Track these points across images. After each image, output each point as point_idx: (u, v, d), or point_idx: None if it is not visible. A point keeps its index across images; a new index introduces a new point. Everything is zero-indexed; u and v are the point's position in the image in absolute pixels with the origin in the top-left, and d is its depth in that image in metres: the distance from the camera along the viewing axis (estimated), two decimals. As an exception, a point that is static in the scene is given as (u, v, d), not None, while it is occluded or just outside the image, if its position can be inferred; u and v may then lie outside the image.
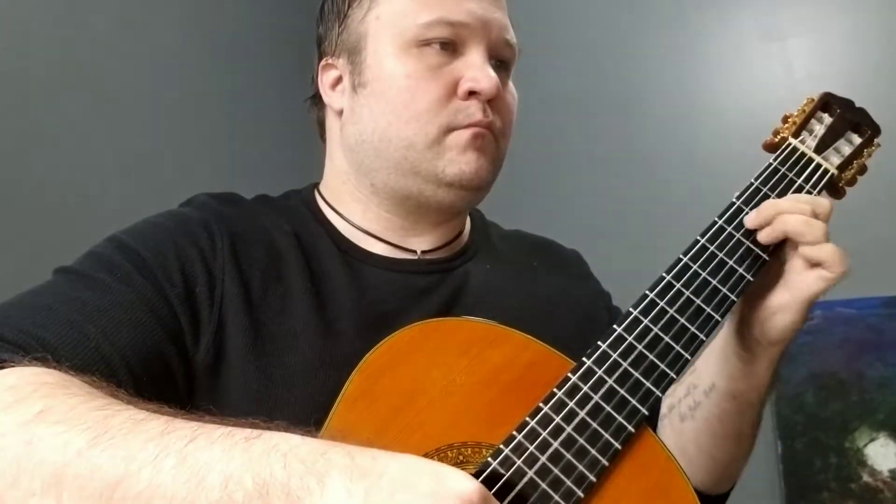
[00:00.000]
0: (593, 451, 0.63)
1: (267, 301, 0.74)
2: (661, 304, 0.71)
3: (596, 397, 0.65)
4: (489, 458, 0.62)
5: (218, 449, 0.49)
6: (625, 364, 0.68)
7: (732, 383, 0.78)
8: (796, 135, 0.82)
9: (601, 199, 2.12)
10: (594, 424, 0.64)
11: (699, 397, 0.82)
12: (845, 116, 0.83)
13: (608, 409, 0.65)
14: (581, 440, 0.63)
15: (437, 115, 0.77)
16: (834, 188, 0.81)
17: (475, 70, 0.77)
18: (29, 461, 0.50)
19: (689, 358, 0.69)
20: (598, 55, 2.22)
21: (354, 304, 0.76)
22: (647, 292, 0.72)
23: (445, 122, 0.77)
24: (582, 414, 0.65)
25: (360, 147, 0.81)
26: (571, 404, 0.65)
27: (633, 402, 0.66)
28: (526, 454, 0.62)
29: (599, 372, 0.67)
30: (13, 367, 0.57)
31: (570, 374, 0.67)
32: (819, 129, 0.83)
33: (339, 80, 0.84)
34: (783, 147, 0.81)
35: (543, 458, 0.62)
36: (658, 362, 0.68)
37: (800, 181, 0.78)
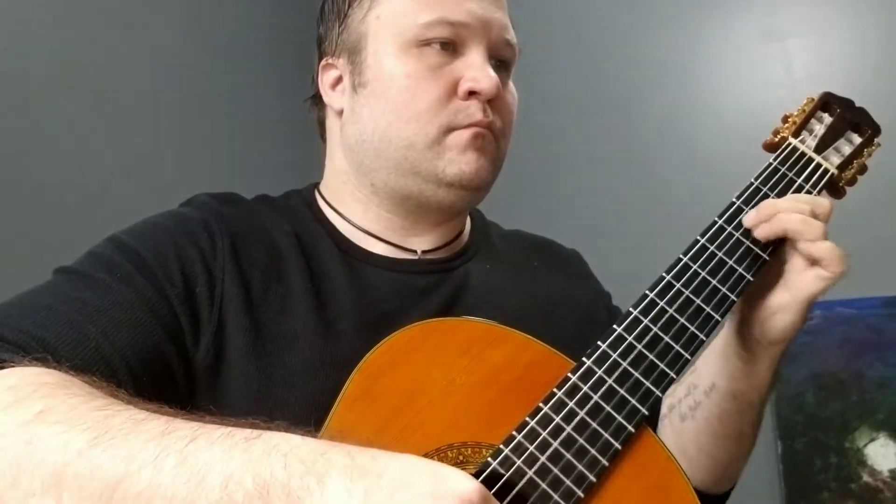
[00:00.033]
0: (593, 451, 0.63)
1: (267, 301, 0.74)
2: (661, 303, 0.71)
3: (596, 397, 0.65)
4: (489, 458, 0.62)
5: (218, 449, 0.49)
6: (624, 364, 0.67)
7: (733, 383, 0.78)
8: (796, 134, 0.82)
9: (601, 199, 2.12)
10: (594, 424, 0.64)
11: (700, 397, 0.82)
12: (845, 116, 0.83)
13: (608, 408, 0.65)
14: (581, 440, 0.63)
15: (438, 115, 0.77)
16: (834, 188, 0.81)
17: (475, 70, 0.77)
18: (29, 461, 0.50)
19: (689, 358, 0.69)
20: (598, 55, 2.22)
21: (355, 304, 0.76)
22: (646, 292, 0.72)
23: (445, 122, 0.77)
24: (582, 414, 0.64)
25: (360, 147, 0.81)
26: (571, 404, 0.65)
27: (633, 401, 0.66)
28: (526, 454, 0.62)
29: (599, 372, 0.67)
30: (13, 367, 0.57)
31: (569, 374, 0.66)
32: (819, 128, 0.83)
33: (339, 79, 0.84)
34: (783, 147, 0.81)
35: (543, 458, 0.62)
36: (658, 362, 0.68)
37: (800, 181, 0.78)
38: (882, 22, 1.95)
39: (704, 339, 0.70)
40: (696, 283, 0.72)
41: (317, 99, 0.87)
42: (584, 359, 0.68)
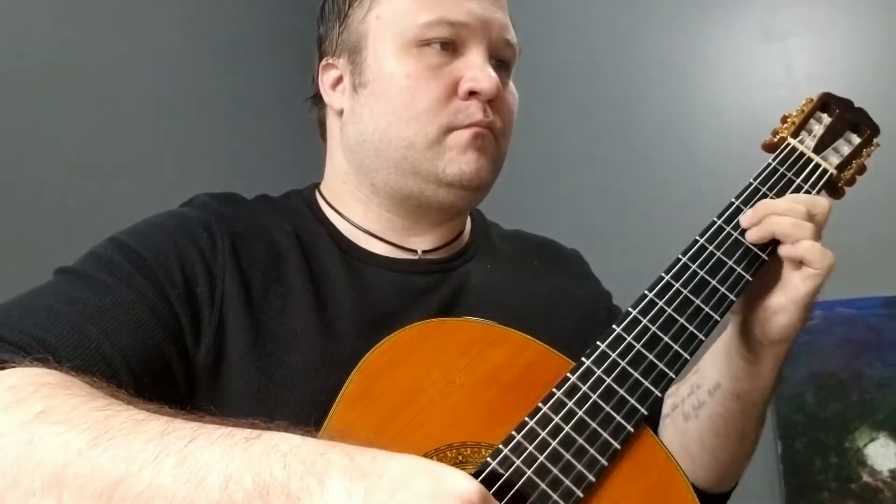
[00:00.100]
0: (592, 451, 0.63)
1: (267, 301, 0.74)
2: (660, 303, 0.71)
3: (594, 397, 0.65)
4: (488, 458, 0.62)
5: (218, 449, 0.49)
6: (623, 364, 0.68)
7: (737, 383, 0.78)
8: (795, 135, 0.82)
9: (601, 199, 2.13)
10: (593, 424, 0.64)
11: (703, 396, 0.82)
12: (844, 116, 0.83)
13: (607, 408, 0.65)
14: (580, 440, 0.63)
15: (438, 115, 0.77)
16: (833, 188, 0.81)
17: (475, 70, 0.77)
18: (29, 461, 0.50)
19: (689, 358, 0.69)
20: (598, 55, 2.22)
21: (355, 304, 0.76)
22: (646, 292, 0.72)
23: (445, 122, 0.77)
24: (581, 413, 0.65)
25: (360, 147, 0.81)
26: (570, 404, 0.65)
27: (632, 401, 0.66)
28: (525, 454, 0.62)
29: (598, 372, 0.67)
30: (14, 367, 0.57)
31: (569, 374, 0.67)
32: (818, 129, 0.83)
33: (339, 79, 0.84)
34: (782, 147, 0.81)
35: (542, 458, 0.62)
36: (657, 362, 0.68)
37: (799, 181, 0.78)
38: (882, 22, 1.95)
39: (703, 338, 0.70)
40: (695, 282, 0.72)
41: (317, 99, 0.88)
42: (583, 359, 0.68)
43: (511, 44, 0.82)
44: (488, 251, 0.89)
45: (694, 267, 0.73)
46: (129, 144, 1.74)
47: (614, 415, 0.65)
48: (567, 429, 0.64)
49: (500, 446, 0.62)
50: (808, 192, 0.78)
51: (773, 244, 0.74)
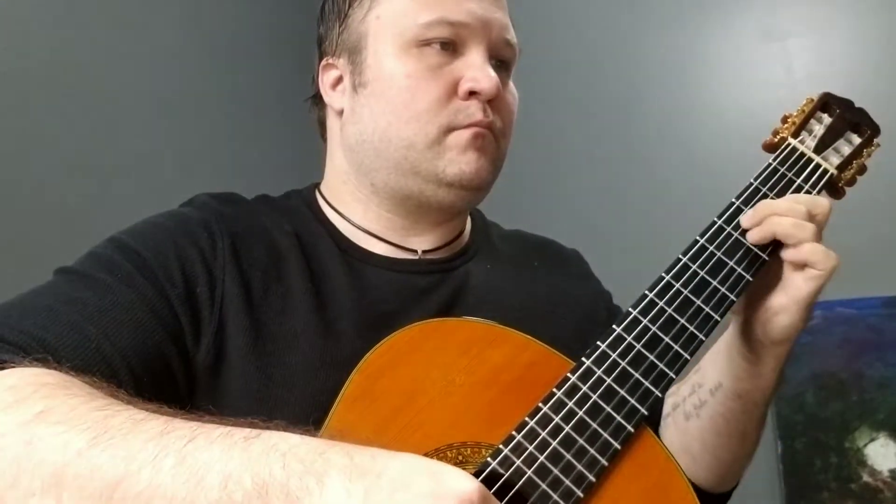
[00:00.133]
0: (592, 451, 0.63)
1: (267, 301, 0.74)
2: (661, 303, 0.71)
3: (595, 397, 0.65)
4: (488, 458, 0.62)
5: (217, 449, 0.49)
6: (623, 364, 0.68)
7: (738, 383, 0.78)
8: (796, 135, 0.82)
9: (601, 199, 2.13)
10: (593, 424, 0.64)
11: (705, 396, 0.82)
12: (845, 116, 0.83)
13: (607, 408, 0.65)
14: (580, 440, 0.63)
15: (438, 115, 0.77)
16: (833, 188, 0.81)
17: (475, 70, 0.77)
18: (29, 461, 0.50)
19: (689, 358, 0.69)
20: (598, 55, 2.22)
21: (355, 304, 0.76)
22: (646, 292, 0.72)
23: (445, 122, 0.77)
24: (581, 414, 0.65)
25: (360, 147, 0.81)
26: (570, 404, 0.65)
27: (632, 401, 0.66)
28: (525, 454, 0.62)
29: (598, 372, 0.67)
30: (14, 367, 0.57)
31: (569, 374, 0.67)
32: (818, 129, 0.83)
33: (339, 79, 0.84)
34: (783, 147, 0.81)
35: (543, 458, 0.62)
36: (657, 362, 0.68)
37: (799, 181, 0.78)
38: (882, 22, 1.95)
39: (704, 339, 0.70)
40: (695, 283, 0.72)
41: (317, 99, 0.88)
42: (583, 359, 0.68)
43: (511, 44, 0.82)
44: (488, 251, 0.89)
45: (694, 267, 0.73)
46: (129, 144, 1.74)
47: (614, 415, 0.65)
48: (567, 429, 0.64)
49: (501, 446, 0.62)
50: (808, 192, 0.78)
51: (773, 244, 0.74)
